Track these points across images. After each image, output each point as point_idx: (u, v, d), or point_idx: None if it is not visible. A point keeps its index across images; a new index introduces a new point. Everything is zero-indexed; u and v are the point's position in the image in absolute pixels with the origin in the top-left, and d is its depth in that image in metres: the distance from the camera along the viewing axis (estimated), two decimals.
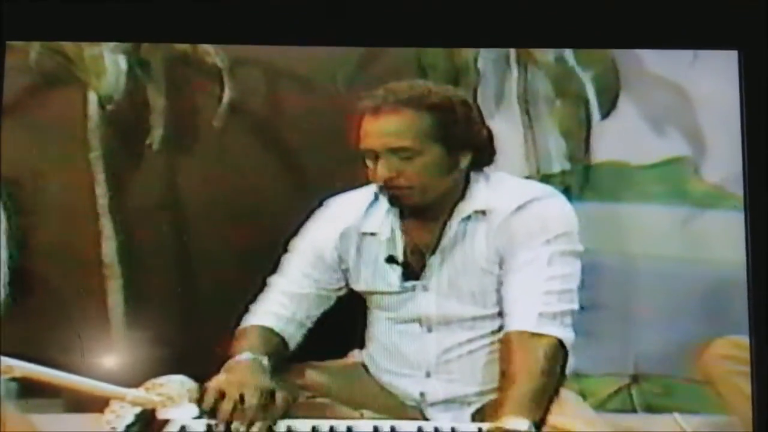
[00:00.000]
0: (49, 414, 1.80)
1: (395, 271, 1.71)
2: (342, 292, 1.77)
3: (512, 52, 1.97)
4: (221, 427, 1.55)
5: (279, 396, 1.57)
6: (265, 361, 1.65)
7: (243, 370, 1.61)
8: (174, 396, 1.67)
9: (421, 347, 1.72)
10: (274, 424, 1.56)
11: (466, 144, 1.68)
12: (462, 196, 1.69)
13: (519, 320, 1.60)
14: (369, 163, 1.67)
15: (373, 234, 1.73)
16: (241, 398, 1.55)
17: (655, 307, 1.90)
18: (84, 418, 1.72)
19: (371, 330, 1.78)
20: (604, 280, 1.88)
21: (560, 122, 1.97)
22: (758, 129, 1.83)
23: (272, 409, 1.56)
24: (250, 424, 1.54)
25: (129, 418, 1.61)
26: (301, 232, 1.78)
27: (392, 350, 1.74)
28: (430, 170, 1.65)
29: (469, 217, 1.68)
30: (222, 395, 1.55)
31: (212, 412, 1.57)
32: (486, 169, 1.74)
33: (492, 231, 1.67)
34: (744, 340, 1.77)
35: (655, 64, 1.93)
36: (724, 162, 1.89)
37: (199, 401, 1.57)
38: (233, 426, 1.54)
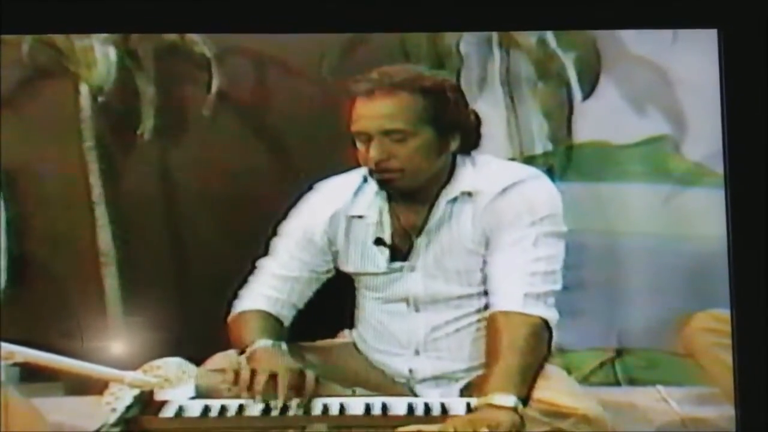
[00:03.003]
0: (51, 397, 1.85)
1: (383, 253, 1.74)
2: (330, 274, 1.80)
3: (494, 35, 1.99)
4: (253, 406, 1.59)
5: (310, 375, 1.63)
6: (284, 346, 1.69)
7: (273, 356, 1.65)
8: (171, 378, 1.71)
9: (410, 326, 1.75)
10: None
11: (455, 127, 1.70)
12: (449, 179, 1.72)
13: (505, 300, 1.64)
14: (360, 145, 1.69)
15: (361, 217, 1.76)
16: (292, 382, 1.60)
17: (638, 282, 1.93)
18: (84, 400, 1.77)
19: (360, 310, 1.82)
20: (587, 257, 1.91)
21: (542, 104, 2.00)
22: (738, 107, 1.85)
23: (310, 387, 1.63)
24: (308, 402, 1.60)
25: (128, 400, 1.65)
26: (290, 216, 1.80)
27: (381, 330, 1.78)
28: (421, 153, 1.67)
29: (455, 199, 1.71)
30: (275, 381, 1.59)
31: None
32: (472, 152, 1.76)
33: (478, 212, 1.70)
34: (725, 313, 1.81)
35: (636, 45, 1.95)
36: (704, 140, 1.92)
37: (249, 389, 1.60)
38: (291, 406, 1.59)
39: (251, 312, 1.75)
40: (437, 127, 1.68)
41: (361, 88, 1.67)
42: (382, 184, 1.71)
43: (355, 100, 1.68)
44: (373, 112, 1.66)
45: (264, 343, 1.67)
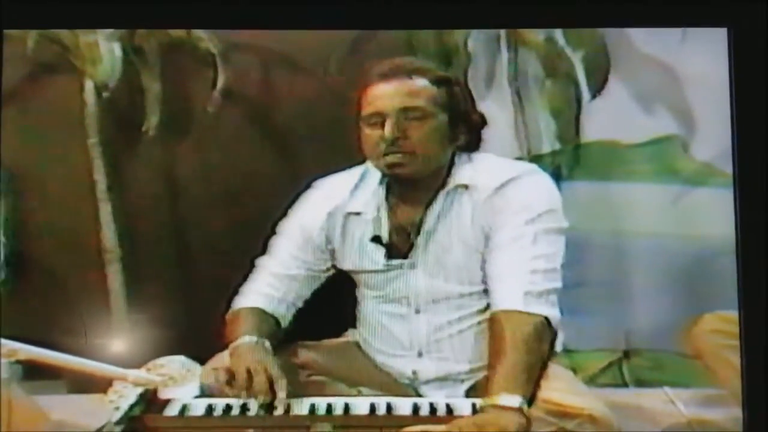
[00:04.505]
0: (54, 395, 1.84)
1: (380, 250, 1.73)
2: (330, 273, 1.79)
3: (502, 33, 1.98)
4: (254, 407, 1.58)
5: (275, 373, 1.61)
6: (267, 343, 1.68)
7: (253, 352, 1.64)
8: (175, 376, 1.70)
9: (411, 328, 1.74)
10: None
11: (465, 120, 1.71)
12: (447, 176, 1.71)
13: (506, 299, 1.61)
14: (371, 130, 1.67)
15: (358, 213, 1.75)
16: (269, 378, 1.59)
17: (646, 283, 1.92)
18: (87, 398, 1.76)
19: (361, 310, 1.81)
20: (595, 257, 1.91)
21: (550, 102, 1.99)
22: (747, 107, 1.83)
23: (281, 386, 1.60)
24: (287, 399, 1.58)
25: (131, 398, 1.64)
26: (289, 214, 1.79)
27: (382, 331, 1.77)
28: (435, 137, 1.67)
29: (452, 191, 1.70)
30: (250, 376, 1.58)
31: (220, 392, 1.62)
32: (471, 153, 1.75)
33: (476, 209, 1.68)
34: (733, 314, 1.79)
35: (645, 43, 1.94)
36: (713, 140, 1.91)
37: (229, 384, 1.60)
38: (275, 403, 1.58)
39: (246, 309, 1.75)
40: (450, 114, 1.68)
41: (377, 73, 1.67)
42: (390, 168, 1.68)
43: (368, 86, 1.68)
44: (391, 92, 1.66)
45: (248, 339, 1.67)
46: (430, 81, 1.68)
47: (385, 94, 1.66)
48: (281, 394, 1.58)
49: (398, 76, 1.67)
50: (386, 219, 1.74)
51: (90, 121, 1.97)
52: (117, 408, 1.62)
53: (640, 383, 1.93)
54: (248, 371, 1.59)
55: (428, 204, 1.71)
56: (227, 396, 1.63)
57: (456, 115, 1.69)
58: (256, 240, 1.81)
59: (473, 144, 1.74)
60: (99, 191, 1.97)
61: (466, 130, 1.71)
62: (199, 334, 1.83)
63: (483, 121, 1.75)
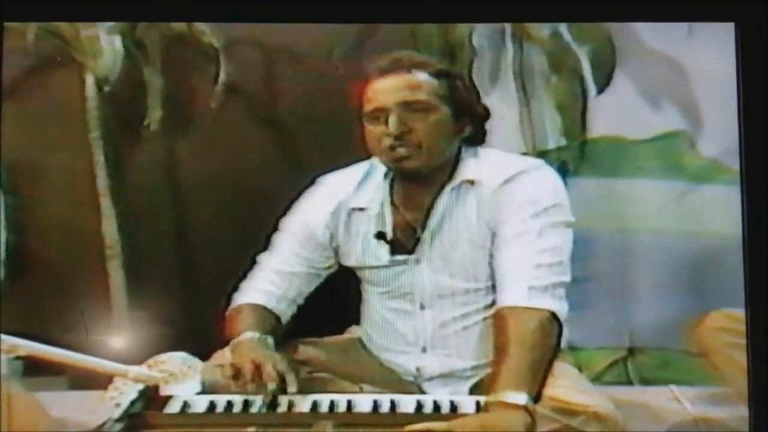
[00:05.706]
0: (54, 391, 1.84)
1: (384, 246, 1.72)
2: (332, 270, 1.78)
3: (507, 27, 1.97)
4: (259, 402, 1.57)
5: (282, 366, 1.60)
6: (269, 339, 1.67)
7: (256, 347, 1.64)
8: (176, 372, 1.69)
9: (416, 324, 1.73)
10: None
11: (468, 113, 1.70)
12: (452, 171, 1.70)
13: (510, 295, 1.60)
14: (374, 126, 1.66)
15: (362, 209, 1.74)
16: (278, 371, 1.58)
17: (651, 280, 1.91)
18: (88, 395, 1.75)
19: (365, 306, 1.79)
20: (600, 254, 1.90)
21: (556, 98, 1.98)
22: (755, 103, 1.82)
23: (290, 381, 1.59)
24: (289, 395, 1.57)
25: (132, 395, 1.64)
26: (291, 210, 1.78)
27: (387, 327, 1.76)
28: (439, 130, 1.66)
29: (458, 187, 1.69)
30: (258, 371, 1.57)
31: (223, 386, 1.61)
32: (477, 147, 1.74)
33: (482, 204, 1.67)
34: (739, 312, 1.78)
35: (651, 38, 1.93)
36: (720, 136, 1.89)
37: (234, 379, 1.59)
38: (279, 400, 1.57)
39: (247, 306, 1.74)
40: (453, 107, 1.67)
41: (376, 68, 1.67)
42: (397, 162, 1.67)
43: (368, 81, 1.67)
44: (392, 86, 1.65)
45: (250, 335, 1.66)
46: (430, 74, 1.67)
47: (385, 89, 1.65)
48: (291, 388, 1.57)
49: (398, 70, 1.66)
50: (390, 215, 1.73)
51: (91, 116, 1.96)
52: (118, 405, 1.61)
53: (646, 381, 1.92)
54: (254, 363, 1.58)
55: (434, 199, 1.70)
56: (230, 393, 1.62)
57: (459, 107, 1.68)
58: (259, 236, 1.80)
59: (479, 137, 1.73)
60: (100, 186, 1.96)
61: (470, 122, 1.70)
62: (200, 330, 1.81)
63: (487, 113, 1.75)
